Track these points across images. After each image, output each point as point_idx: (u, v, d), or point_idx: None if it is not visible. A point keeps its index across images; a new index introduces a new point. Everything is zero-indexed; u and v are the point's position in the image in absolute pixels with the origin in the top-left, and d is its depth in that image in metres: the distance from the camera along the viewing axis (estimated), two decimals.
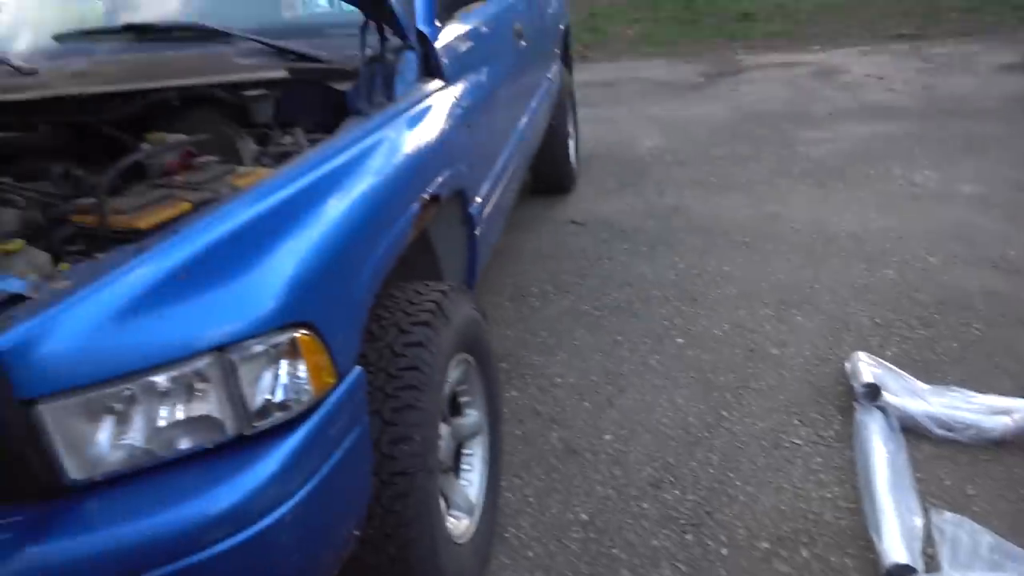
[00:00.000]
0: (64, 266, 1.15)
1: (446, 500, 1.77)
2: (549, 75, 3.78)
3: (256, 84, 1.73)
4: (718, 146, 5.11)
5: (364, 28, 1.75)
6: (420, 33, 2.02)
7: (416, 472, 1.43)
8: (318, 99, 1.76)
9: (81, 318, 1.00)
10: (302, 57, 1.84)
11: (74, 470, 1.03)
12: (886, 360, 2.51)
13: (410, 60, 1.95)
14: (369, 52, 1.80)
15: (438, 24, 2.17)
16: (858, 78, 6.55)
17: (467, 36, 2.34)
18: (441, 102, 1.96)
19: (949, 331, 2.72)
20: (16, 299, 1.01)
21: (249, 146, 1.59)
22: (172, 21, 1.97)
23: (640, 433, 2.36)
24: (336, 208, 1.29)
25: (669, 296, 3.19)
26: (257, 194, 1.23)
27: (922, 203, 3.86)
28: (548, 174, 4.38)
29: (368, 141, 1.54)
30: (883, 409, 2.23)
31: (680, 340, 2.86)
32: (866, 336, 2.75)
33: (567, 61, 4.85)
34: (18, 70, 1.89)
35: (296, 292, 1.13)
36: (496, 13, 2.73)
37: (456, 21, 2.31)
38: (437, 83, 2.00)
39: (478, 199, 2.14)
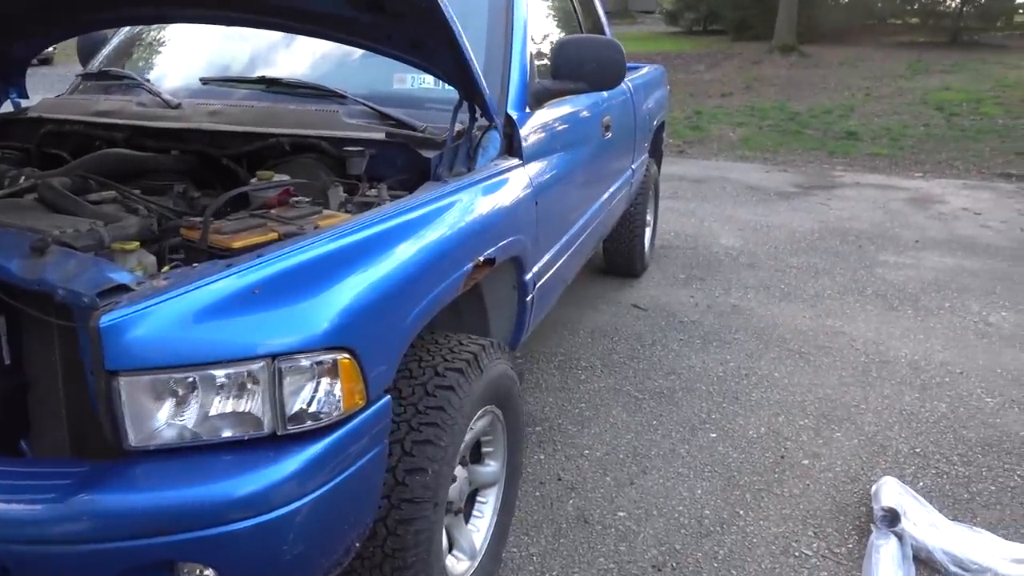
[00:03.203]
0: (166, 268, 1.40)
1: (451, 540, 1.91)
2: (633, 166, 3.99)
3: (356, 141, 1.99)
4: (794, 255, 5.17)
5: (457, 107, 1.99)
6: (508, 116, 2.27)
7: (423, 502, 1.58)
8: (407, 161, 2.00)
9: (168, 312, 1.22)
10: (401, 123, 2.10)
11: (133, 438, 1.24)
12: (917, 490, 2.51)
13: (494, 138, 2.18)
14: (459, 127, 2.05)
15: (528, 110, 2.42)
16: (954, 210, 6.49)
17: (552, 123, 2.57)
18: (514, 178, 2.17)
19: (989, 473, 2.69)
20: (122, 288, 1.24)
21: (338, 193, 1.83)
22: (298, 79, 2.29)
23: (654, 516, 2.43)
24: (395, 257, 1.50)
25: (712, 391, 3.26)
26: (333, 235, 1.44)
27: (992, 343, 3.80)
28: (621, 258, 4.55)
29: (438, 204, 1.76)
30: (900, 536, 2.23)
31: (713, 434, 2.92)
32: (902, 463, 2.74)
33: (657, 155, 5.07)
34: (167, 103, 2.23)
35: (344, 321, 1.32)
36: (587, 106, 2.97)
37: (547, 109, 2.55)
38: (515, 161, 2.23)
39: (535, 269, 2.32)
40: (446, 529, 1.85)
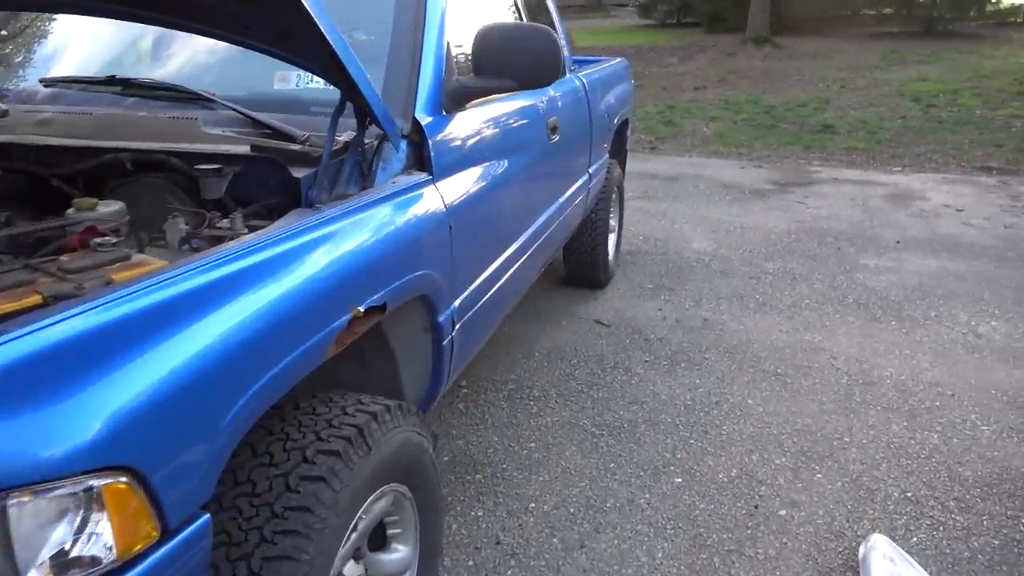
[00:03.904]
0: None
1: None
2: (590, 170, 3.61)
3: (214, 157, 1.59)
4: (770, 260, 4.82)
5: (338, 111, 1.60)
6: (416, 122, 1.88)
7: None
8: (280, 182, 1.60)
9: None
10: (277, 133, 1.71)
11: None
12: (910, 548, 2.17)
13: (396, 150, 1.79)
14: (345, 137, 1.66)
15: (445, 114, 2.03)
16: (935, 207, 6.18)
17: (477, 129, 2.18)
18: (421, 199, 1.78)
19: (991, 522, 2.34)
20: None
21: (179, 227, 1.44)
22: (154, 80, 1.88)
23: None
24: (215, 323, 1.10)
25: (679, 423, 2.89)
26: (123, 295, 1.04)
27: (983, 358, 3.47)
28: (582, 269, 4.18)
29: (302, 239, 1.37)
30: None
31: (678, 479, 2.55)
32: (891, 512, 2.39)
33: (621, 156, 4.70)
34: None
35: (116, 430, 0.93)
36: (525, 106, 2.58)
37: (469, 111, 2.15)
38: (422, 176, 1.83)
39: (455, 304, 1.94)
40: None
